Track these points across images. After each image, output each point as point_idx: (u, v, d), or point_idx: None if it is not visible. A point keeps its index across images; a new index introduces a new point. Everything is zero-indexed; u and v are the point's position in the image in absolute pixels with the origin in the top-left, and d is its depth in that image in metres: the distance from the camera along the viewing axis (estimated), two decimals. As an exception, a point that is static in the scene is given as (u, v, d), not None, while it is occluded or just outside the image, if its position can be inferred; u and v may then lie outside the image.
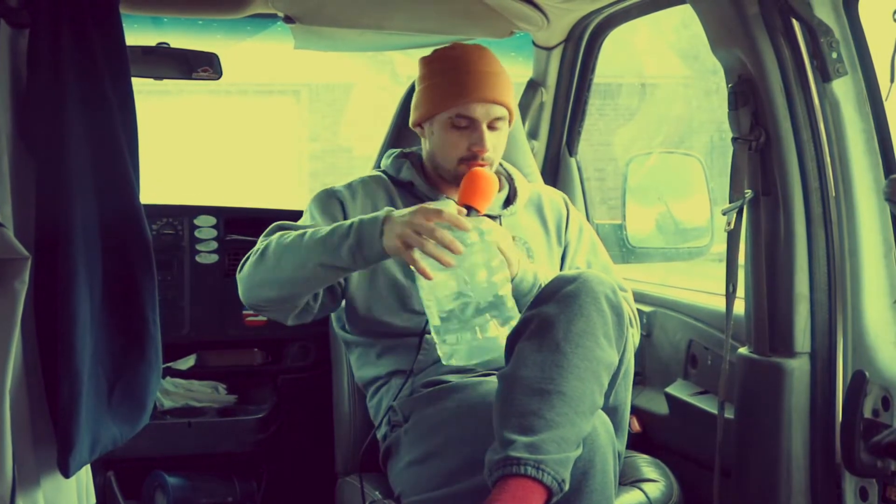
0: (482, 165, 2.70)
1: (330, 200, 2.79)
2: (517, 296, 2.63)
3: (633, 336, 2.71)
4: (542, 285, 2.64)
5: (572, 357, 2.30)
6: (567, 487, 2.21)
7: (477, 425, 2.40)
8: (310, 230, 2.54)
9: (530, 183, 3.00)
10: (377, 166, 3.05)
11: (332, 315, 2.90)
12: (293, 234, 2.56)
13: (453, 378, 2.65)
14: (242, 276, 2.65)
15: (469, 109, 2.71)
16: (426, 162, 2.85)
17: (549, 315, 2.36)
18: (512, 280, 2.60)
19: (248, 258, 2.66)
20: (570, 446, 2.23)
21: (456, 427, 2.50)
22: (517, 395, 2.28)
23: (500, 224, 2.80)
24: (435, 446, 2.51)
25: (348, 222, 2.48)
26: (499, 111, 2.72)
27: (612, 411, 2.49)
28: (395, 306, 2.74)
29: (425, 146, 2.83)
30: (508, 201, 2.87)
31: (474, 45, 2.82)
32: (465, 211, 2.53)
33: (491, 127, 2.72)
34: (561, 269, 2.87)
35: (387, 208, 2.48)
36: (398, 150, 2.91)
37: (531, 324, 2.38)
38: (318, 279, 2.54)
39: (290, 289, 2.57)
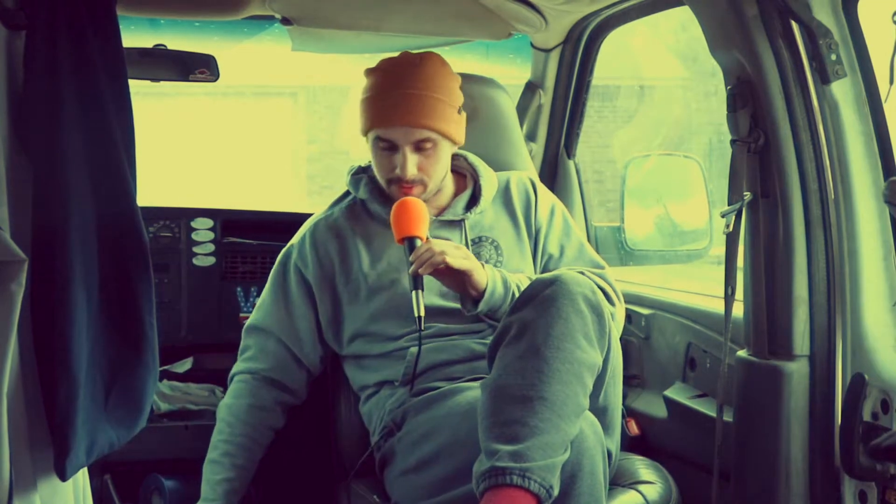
0: (410, 187, 2.71)
1: (286, 275, 2.87)
2: (493, 308, 2.63)
3: (617, 312, 2.71)
4: (519, 286, 2.63)
5: (553, 361, 2.28)
6: (556, 493, 2.20)
7: (468, 432, 2.38)
8: (220, 446, 2.85)
9: (498, 172, 2.98)
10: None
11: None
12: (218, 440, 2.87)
13: (443, 385, 2.64)
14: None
15: (388, 133, 2.70)
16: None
17: (527, 320, 2.34)
18: (482, 294, 2.61)
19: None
20: (556, 451, 2.21)
21: (447, 434, 2.49)
22: (500, 404, 2.27)
23: (465, 227, 2.80)
24: (427, 454, 2.51)
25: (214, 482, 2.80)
26: (420, 134, 2.69)
27: (601, 412, 2.47)
28: (373, 340, 2.76)
29: None
30: (473, 201, 2.86)
31: (414, 57, 2.76)
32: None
33: (417, 148, 2.71)
34: (534, 254, 2.86)
35: None
36: (357, 165, 2.90)
37: (511, 330, 2.36)
38: None
39: None
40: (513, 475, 2.16)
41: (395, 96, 2.68)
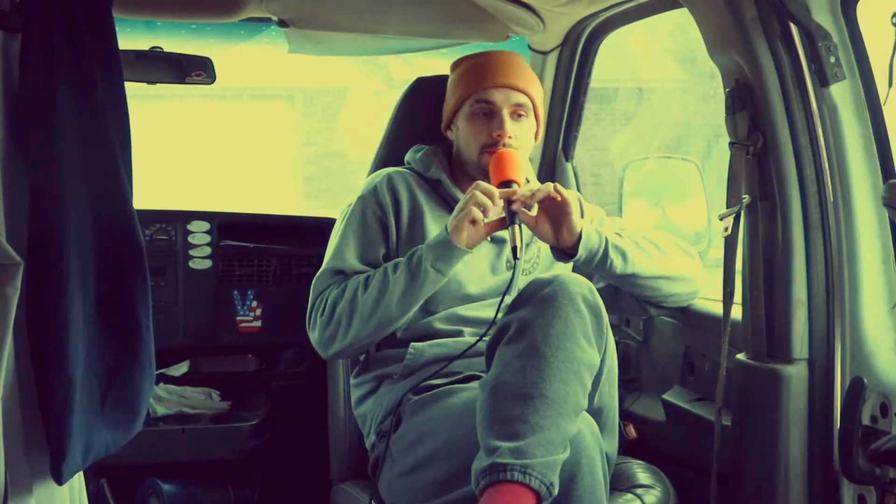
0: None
1: (363, 216, 2.79)
2: (591, 252, 2.64)
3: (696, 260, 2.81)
4: (608, 241, 2.65)
5: (553, 360, 2.29)
6: (556, 491, 2.20)
7: (464, 434, 2.38)
8: (374, 279, 2.65)
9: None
10: (374, 170, 3.05)
11: None
12: (368, 290, 2.65)
13: (440, 381, 2.63)
14: (328, 336, 2.69)
15: (487, 94, 2.76)
16: (456, 159, 2.87)
17: (526, 319, 2.35)
18: (578, 239, 2.62)
19: (321, 317, 2.70)
20: (557, 449, 2.21)
21: (443, 436, 2.48)
22: (500, 402, 2.27)
23: (519, 226, 2.79)
24: (423, 456, 2.50)
25: (409, 255, 2.63)
26: (519, 97, 2.77)
27: (597, 413, 2.48)
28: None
29: (454, 144, 2.86)
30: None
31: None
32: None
33: (513, 115, 2.76)
34: None
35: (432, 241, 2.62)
36: (426, 146, 2.89)
37: (509, 329, 2.37)
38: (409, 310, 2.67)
39: (387, 329, 2.68)
40: (513, 471, 2.16)
41: (495, 62, 2.80)
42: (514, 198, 2.58)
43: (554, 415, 2.23)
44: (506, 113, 2.75)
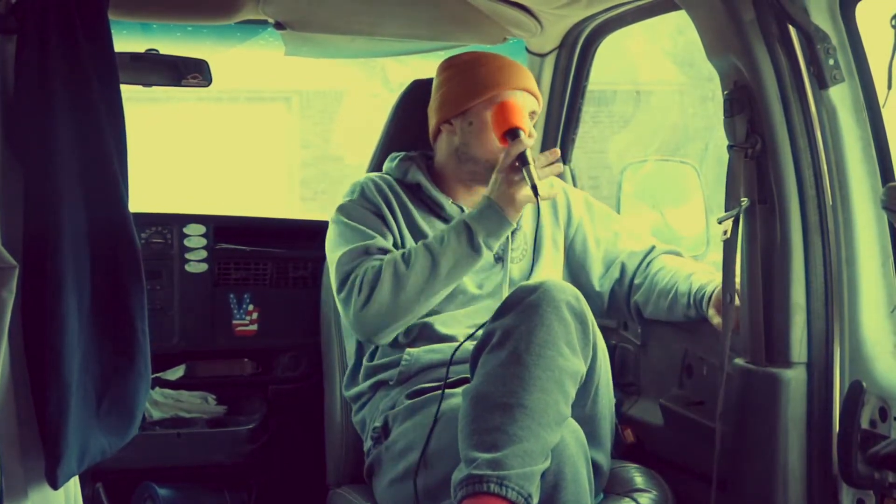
0: None
1: (370, 207, 2.76)
2: None
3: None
4: None
5: (534, 369, 2.28)
6: (535, 501, 2.19)
7: (452, 441, 2.37)
8: (416, 257, 2.62)
9: None
10: (372, 171, 3.04)
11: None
12: (412, 267, 2.62)
13: (431, 385, 2.62)
14: (373, 314, 2.63)
15: (514, 96, 2.73)
16: (448, 161, 2.84)
17: (510, 327, 2.34)
18: None
19: (357, 296, 2.63)
20: (536, 459, 2.21)
21: (433, 443, 2.47)
22: (480, 412, 2.27)
23: None
24: (413, 463, 2.49)
25: (456, 230, 2.62)
26: (534, 104, 2.77)
27: (588, 420, 2.47)
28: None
29: (452, 143, 2.81)
30: None
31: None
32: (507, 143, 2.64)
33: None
34: (576, 245, 2.90)
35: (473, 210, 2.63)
36: (402, 153, 2.88)
37: (493, 336, 2.36)
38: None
39: (430, 305, 2.67)
40: (490, 483, 2.16)
41: (516, 66, 2.78)
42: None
43: (534, 425, 2.23)
44: (526, 115, 2.73)
